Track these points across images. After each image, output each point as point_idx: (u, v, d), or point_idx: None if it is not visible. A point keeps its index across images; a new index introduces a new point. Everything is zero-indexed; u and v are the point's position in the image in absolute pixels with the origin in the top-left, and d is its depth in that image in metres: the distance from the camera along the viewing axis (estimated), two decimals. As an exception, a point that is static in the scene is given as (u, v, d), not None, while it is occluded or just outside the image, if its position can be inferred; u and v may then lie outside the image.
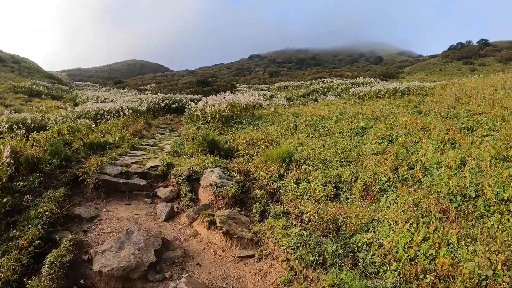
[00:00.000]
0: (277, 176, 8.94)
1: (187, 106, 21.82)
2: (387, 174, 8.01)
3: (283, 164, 9.19)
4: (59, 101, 35.42)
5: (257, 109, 17.93)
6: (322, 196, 7.87)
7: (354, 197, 7.86)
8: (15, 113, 23.60)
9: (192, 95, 31.69)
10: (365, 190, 7.96)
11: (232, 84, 53.73)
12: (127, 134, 14.20)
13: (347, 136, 11.61)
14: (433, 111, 13.22)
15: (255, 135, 12.53)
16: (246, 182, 8.76)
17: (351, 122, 13.05)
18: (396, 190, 7.54)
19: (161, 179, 9.38)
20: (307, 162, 9.33)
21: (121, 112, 19.89)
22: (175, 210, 8.03)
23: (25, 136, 11.07)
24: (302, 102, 29.72)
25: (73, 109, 23.64)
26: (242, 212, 7.57)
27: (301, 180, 8.61)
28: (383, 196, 7.61)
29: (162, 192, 8.69)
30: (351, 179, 8.31)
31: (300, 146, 10.77)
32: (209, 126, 15.44)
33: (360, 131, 11.95)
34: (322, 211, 7.11)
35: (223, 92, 17.74)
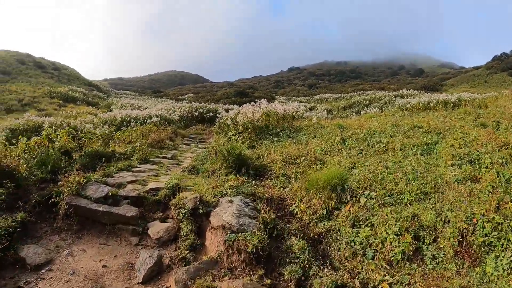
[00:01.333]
0: (325, 213, 6.19)
1: (218, 115, 19.30)
2: (490, 217, 5.18)
3: (333, 194, 6.45)
4: (93, 107, 34.56)
5: (296, 120, 15.34)
6: (396, 252, 5.09)
7: (444, 256, 5.03)
8: (45, 117, 22.69)
9: (228, 105, 29.56)
10: (460, 244, 5.12)
11: (270, 96, 51.63)
12: (143, 144, 11.90)
13: (410, 154, 8.86)
14: (503, 124, 10.95)
15: (293, 150, 9.95)
16: (279, 220, 6.06)
17: (409, 137, 10.45)
18: (509, 245, 4.76)
19: (161, 207, 6.81)
20: (366, 192, 6.54)
21: (148, 120, 17.84)
22: (166, 263, 5.32)
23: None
24: (343, 114, 27.53)
25: (96, 115, 22.05)
26: (267, 280, 4.74)
27: (361, 222, 5.81)
28: (488, 255, 4.81)
29: (155, 229, 6.03)
30: (436, 223, 5.49)
31: (353, 168, 8.06)
32: (241, 137, 12.98)
33: (425, 147, 9.20)
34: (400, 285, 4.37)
35: (258, 101, 15.18)
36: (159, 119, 18.37)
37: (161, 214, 6.52)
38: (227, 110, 19.70)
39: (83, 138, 10.64)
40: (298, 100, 49.44)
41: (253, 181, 7.96)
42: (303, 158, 9.03)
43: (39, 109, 31.80)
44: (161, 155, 11.76)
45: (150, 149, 11.84)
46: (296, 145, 10.80)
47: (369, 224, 5.69)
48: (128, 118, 18.51)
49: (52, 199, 6.44)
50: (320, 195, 6.43)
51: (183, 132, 18.63)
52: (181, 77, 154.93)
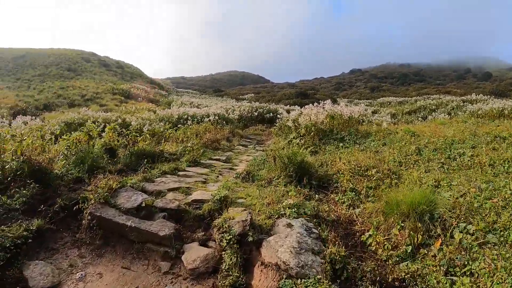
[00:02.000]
0: (409, 250, 4.66)
1: (279, 116, 18.06)
2: None
3: (419, 224, 4.92)
4: (154, 104, 34.62)
5: (361, 124, 13.83)
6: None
7: None
8: (104, 112, 22.62)
9: (289, 106, 28.38)
10: None
11: (332, 98, 49.71)
12: (196, 144, 10.92)
13: (502, 171, 7.10)
14: None
15: (363, 159, 8.51)
16: (349, 254, 4.61)
17: (495, 149, 8.77)
18: None
19: (203, 225, 5.53)
20: (462, 225, 4.90)
21: (205, 118, 16.98)
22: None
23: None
24: (408, 119, 25.56)
25: (155, 112, 21.58)
26: None
27: (457, 269, 4.24)
28: None
29: (191, 255, 4.73)
30: None
31: (437, 187, 6.50)
32: (302, 141, 11.73)
33: (519, 163, 7.39)
34: None
35: (321, 102, 13.80)
36: (217, 117, 17.47)
37: (202, 234, 5.25)
38: (288, 111, 18.51)
39: (129, 136, 9.75)
40: (360, 103, 47.57)
41: (316, 195, 6.74)
42: (374, 170, 7.57)
43: (101, 104, 32.17)
44: (214, 157, 10.75)
45: (202, 150, 10.85)
46: (364, 153, 9.42)
47: (468, 273, 4.14)
48: (185, 116, 17.77)
49: (77, 206, 5.49)
50: (403, 224, 5.00)
51: (241, 132, 17.66)
52: (242, 77, 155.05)
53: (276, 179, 7.71)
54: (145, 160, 8.52)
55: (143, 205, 5.54)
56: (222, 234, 4.68)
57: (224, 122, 17.89)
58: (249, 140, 16.24)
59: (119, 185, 6.00)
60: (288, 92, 51.90)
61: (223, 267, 4.31)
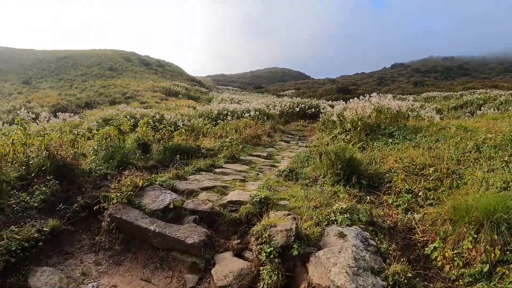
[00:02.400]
0: (485, 270, 3.69)
1: (322, 110, 17.08)
2: None
3: (496, 237, 3.94)
4: (194, 101, 34.38)
5: (409, 120, 12.73)
6: None
7: None
8: (145, 109, 22.50)
9: (331, 101, 27.44)
10: None
11: (375, 93, 48.10)
12: (235, 139, 10.23)
13: None
14: None
15: (417, 155, 7.60)
16: (411, 267, 3.71)
17: None
18: None
19: (239, 231, 4.72)
20: None
21: (245, 114, 16.32)
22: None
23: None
24: (454, 115, 24.30)
25: (195, 108, 21.16)
26: None
27: None
28: None
29: (222, 270, 3.91)
30: None
31: (507, 189, 5.48)
32: (348, 136, 10.88)
33: None
34: None
35: (367, 95, 12.83)
36: (258, 113, 16.78)
37: (238, 242, 4.41)
38: (331, 106, 17.50)
39: (163, 130, 9.15)
40: (403, 98, 45.89)
41: (367, 196, 5.94)
42: (432, 168, 6.62)
43: (141, 101, 32.15)
44: (255, 153, 10.05)
45: (242, 146, 10.16)
46: (417, 149, 8.49)
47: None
48: (225, 111, 17.19)
49: (98, 206, 4.86)
50: (476, 236, 4.06)
51: (282, 128, 16.92)
52: (283, 74, 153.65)
53: (322, 178, 7.00)
54: (179, 156, 7.90)
55: (171, 206, 4.81)
56: (261, 246, 3.84)
57: (265, 117, 17.21)
58: (291, 136, 15.47)
59: (146, 183, 5.33)
60: (329, 88, 50.69)
61: (260, 286, 3.51)
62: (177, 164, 7.11)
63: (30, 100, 28.10)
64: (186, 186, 5.74)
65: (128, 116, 15.55)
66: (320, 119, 15.79)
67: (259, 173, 7.66)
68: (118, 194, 4.84)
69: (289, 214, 4.54)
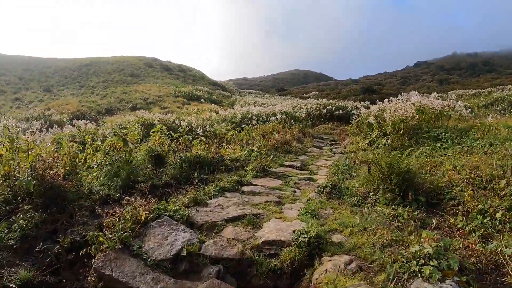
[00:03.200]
0: None
1: (354, 112, 15.44)
2: None
3: None
4: (216, 105, 33.28)
5: (450, 120, 11.13)
6: None
7: None
8: (166, 114, 21.42)
9: (357, 102, 25.92)
10: None
11: (399, 93, 46.18)
12: (263, 147, 8.85)
13: None
14: None
15: (477, 164, 6.12)
16: None
17: None
18: None
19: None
20: None
21: (271, 117, 14.91)
22: None
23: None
24: (485, 113, 22.41)
25: (217, 112, 19.88)
26: None
27: None
28: None
29: None
30: None
31: None
32: (389, 141, 9.62)
33: None
34: None
35: (403, 95, 11.34)
36: (284, 116, 15.36)
37: None
38: (366, 107, 15.88)
39: (179, 140, 7.79)
40: (448, 96, 43.94)
41: (431, 219, 4.66)
42: (503, 182, 5.08)
43: (163, 107, 31.16)
44: (286, 163, 8.70)
45: (272, 155, 8.77)
46: (471, 155, 7.08)
47: None
48: (249, 115, 15.82)
49: (85, 249, 3.45)
50: None
51: (311, 131, 15.52)
52: (304, 75, 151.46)
53: (372, 194, 5.64)
54: (198, 169, 6.56)
55: (184, 253, 3.33)
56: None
57: (292, 120, 15.77)
58: (321, 141, 14.04)
59: (152, 215, 3.88)
60: (354, 88, 48.93)
61: None
62: (195, 183, 5.70)
63: (50, 108, 27.26)
64: (206, 217, 4.29)
65: (145, 123, 14.32)
66: (353, 121, 14.29)
67: (296, 190, 6.28)
68: (111, 235, 3.37)
69: (351, 261, 3.15)
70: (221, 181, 6.04)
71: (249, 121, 14.77)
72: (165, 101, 33.60)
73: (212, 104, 33.60)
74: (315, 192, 5.89)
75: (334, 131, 17.13)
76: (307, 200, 5.33)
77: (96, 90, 38.30)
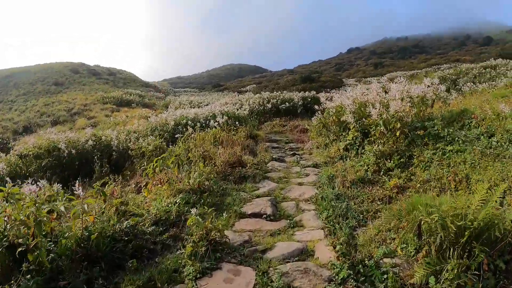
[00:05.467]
0: None
1: (316, 108, 11.71)
2: None
3: None
4: (149, 109, 29.19)
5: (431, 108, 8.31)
6: None
7: None
8: (91, 127, 17.60)
9: (297, 92, 23.11)
10: None
11: (338, 79, 44.15)
12: (205, 178, 5.35)
13: None
14: None
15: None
16: None
17: None
18: None
19: None
20: None
21: (211, 120, 11.29)
22: None
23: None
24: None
25: (148, 118, 15.95)
26: None
27: None
28: None
29: None
30: None
31: None
32: (382, 147, 6.65)
33: None
34: None
35: (346, 87, 8.44)
36: (226, 117, 11.81)
37: None
38: (330, 98, 12.38)
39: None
40: (369, 81, 42.14)
41: None
42: None
43: (89, 117, 26.75)
44: (247, 207, 5.19)
45: (221, 191, 5.28)
46: (496, 159, 5.16)
47: None
48: (184, 121, 11.99)
49: None
50: None
51: (261, 133, 12.15)
52: (239, 69, 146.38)
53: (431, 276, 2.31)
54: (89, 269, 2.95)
55: None
56: None
57: (236, 122, 12.15)
58: (277, 146, 10.70)
59: None
60: (291, 78, 46.00)
61: None
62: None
63: (-48, 133, 22.03)
64: None
65: (49, 148, 10.16)
66: (315, 118, 10.76)
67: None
68: None
69: None
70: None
71: (184, 128, 11.01)
72: (92, 110, 28.85)
73: (144, 109, 29.33)
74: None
75: (285, 129, 14.14)
76: None
77: (15, 105, 32.57)
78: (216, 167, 6.51)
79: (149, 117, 16.66)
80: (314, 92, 21.15)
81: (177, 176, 5.82)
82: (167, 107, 28.20)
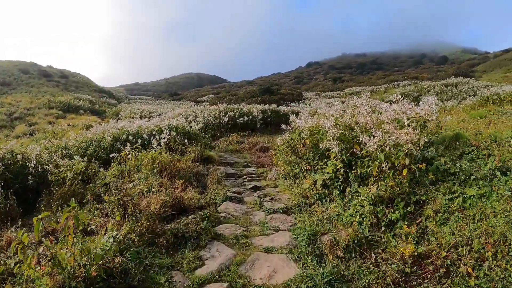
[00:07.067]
0: None
1: (284, 127, 9.11)
2: None
3: None
4: (98, 116, 26.45)
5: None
6: None
7: None
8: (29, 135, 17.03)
9: (256, 104, 20.99)
10: None
11: (298, 92, 42.53)
12: (114, 250, 2.92)
13: None
14: None
15: None
16: None
17: None
18: None
19: None
20: None
21: (156, 137, 8.85)
22: None
23: None
24: None
25: (90, 128, 13.32)
26: None
27: None
28: None
29: None
30: None
31: None
32: (382, 190, 4.60)
33: None
34: None
35: (307, 100, 6.53)
36: (174, 133, 9.38)
37: None
38: (295, 114, 10.11)
39: None
40: (329, 96, 41.31)
41: None
42: None
43: (30, 123, 23.38)
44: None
45: (142, 265, 2.95)
46: None
47: None
48: (125, 135, 9.46)
49: None
50: None
51: (214, 155, 9.80)
52: (198, 79, 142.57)
53: None
54: None
55: None
56: None
57: (186, 140, 9.71)
58: (233, 171, 8.41)
59: None
60: (250, 89, 43.85)
61: None
62: None
63: None
64: None
65: None
66: (280, 139, 8.39)
67: None
68: None
69: None
70: None
71: (124, 144, 8.50)
72: (35, 115, 25.31)
73: (93, 116, 26.20)
74: None
75: (243, 146, 11.91)
76: None
77: (-49, 111, 28.36)
78: (139, 224, 4.09)
79: (92, 126, 13.91)
80: (275, 105, 19.21)
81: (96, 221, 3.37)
82: (118, 115, 25.33)
